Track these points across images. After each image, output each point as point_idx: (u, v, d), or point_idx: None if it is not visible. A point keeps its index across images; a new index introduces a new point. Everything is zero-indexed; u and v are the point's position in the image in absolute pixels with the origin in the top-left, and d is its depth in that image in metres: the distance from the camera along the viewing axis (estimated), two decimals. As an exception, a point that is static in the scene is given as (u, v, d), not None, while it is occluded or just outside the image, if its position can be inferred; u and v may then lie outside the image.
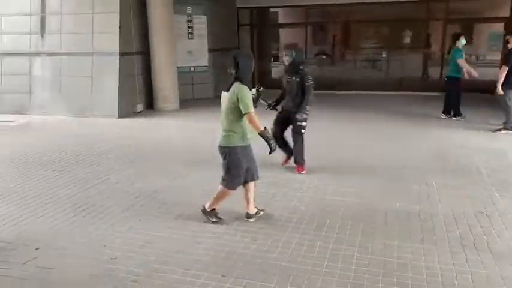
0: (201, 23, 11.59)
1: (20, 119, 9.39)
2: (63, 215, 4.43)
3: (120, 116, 9.37)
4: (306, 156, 5.58)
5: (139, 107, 10.04)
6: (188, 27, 11.45)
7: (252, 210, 4.17)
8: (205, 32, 11.68)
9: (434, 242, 3.72)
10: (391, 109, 9.78)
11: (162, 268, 3.39)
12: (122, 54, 9.39)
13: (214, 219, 4.12)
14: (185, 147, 6.95)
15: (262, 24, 14.34)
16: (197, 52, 11.67)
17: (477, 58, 12.24)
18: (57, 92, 9.74)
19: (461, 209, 4.37)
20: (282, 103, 5.67)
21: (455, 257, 3.48)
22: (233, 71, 3.85)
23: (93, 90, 9.51)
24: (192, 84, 11.61)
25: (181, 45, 11.07)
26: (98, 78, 9.44)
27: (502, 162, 5.89)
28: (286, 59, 5.56)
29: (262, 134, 3.85)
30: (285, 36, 15.43)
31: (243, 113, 3.75)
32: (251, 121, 3.80)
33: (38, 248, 3.72)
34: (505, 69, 7.52)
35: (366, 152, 6.48)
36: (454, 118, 8.64)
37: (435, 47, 12.65)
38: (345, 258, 3.49)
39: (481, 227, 4.00)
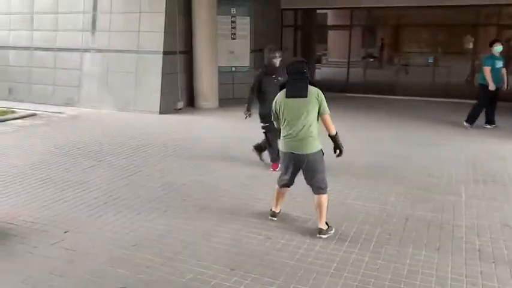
0: (244, 23, 11.76)
1: (69, 111, 9.97)
2: (95, 202, 4.72)
3: (162, 112, 9.72)
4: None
5: (180, 104, 10.37)
6: (232, 27, 11.67)
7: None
8: (247, 32, 11.84)
9: (451, 252, 3.65)
10: (431, 116, 9.51)
11: (175, 257, 3.55)
12: (166, 53, 9.74)
13: (330, 231, 3.93)
14: (218, 145, 7.13)
15: (306, 26, 14.32)
16: (239, 52, 11.85)
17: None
18: (104, 87, 10.25)
19: (486, 222, 4.24)
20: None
21: (469, 268, 3.40)
22: (298, 77, 3.77)
23: (137, 86, 9.92)
24: (233, 83, 11.81)
25: (224, 46, 11.29)
26: (142, 75, 9.85)
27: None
28: (278, 60, 5.53)
29: (336, 137, 3.84)
30: (330, 38, 15.34)
31: (324, 114, 3.74)
32: (330, 123, 3.78)
33: (67, 231, 4.00)
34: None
35: (397, 158, 6.37)
36: (487, 126, 8.31)
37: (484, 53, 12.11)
38: (354, 262, 3.50)
39: (504, 240, 3.87)
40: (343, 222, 4.20)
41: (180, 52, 10.28)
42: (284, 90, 3.85)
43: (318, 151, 3.80)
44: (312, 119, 3.74)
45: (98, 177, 5.54)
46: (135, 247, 3.74)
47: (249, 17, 11.76)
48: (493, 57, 8.18)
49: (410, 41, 14.69)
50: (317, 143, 3.80)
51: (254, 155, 6.07)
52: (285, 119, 3.80)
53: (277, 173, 4.44)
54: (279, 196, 4.14)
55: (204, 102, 10.61)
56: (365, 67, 14.20)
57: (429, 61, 12.47)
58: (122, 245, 3.77)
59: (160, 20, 9.65)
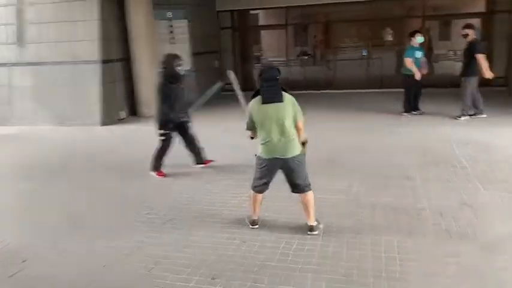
0: (182, 27, 11.56)
1: (1, 130, 9.25)
2: (49, 226, 4.38)
3: (104, 124, 9.29)
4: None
5: (123, 114, 9.98)
6: (169, 32, 11.42)
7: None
8: (186, 36, 11.66)
9: (422, 235, 3.77)
10: (370, 107, 9.84)
11: (151, 274, 3.37)
12: (103, 61, 9.32)
13: (320, 225, 3.93)
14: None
15: (243, 27, 14.36)
16: (179, 57, 11.62)
17: (455, 53, 12.44)
18: (38, 102, 9.61)
19: (446, 202, 4.43)
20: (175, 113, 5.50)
21: (444, 248, 3.53)
22: (272, 83, 3.71)
23: (75, 99, 9.41)
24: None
25: (163, 51, 10.99)
26: (80, 86, 9.35)
27: (482, 154, 5.97)
28: (182, 68, 5.51)
29: (305, 144, 3.88)
30: (265, 38, 15.48)
31: (299, 121, 3.77)
32: (302, 129, 3.83)
33: (25, 260, 3.68)
34: (482, 56, 7.87)
35: (347, 149, 6.48)
36: (414, 113, 8.68)
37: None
38: (334, 255, 3.52)
39: (466, 219, 4.06)
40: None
41: (118, 60, 9.89)
42: (258, 97, 3.78)
43: (301, 153, 3.80)
44: (290, 123, 3.73)
45: (45, 199, 5.16)
46: (104, 268, 3.51)
47: (186, 20, 11.58)
48: (413, 48, 8.59)
49: (344, 36, 15.18)
50: (298, 144, 3.80)
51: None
52: (262, 125, 3.74)
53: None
54: (257, 203, 4.01)
55: (147, 110, 10.25)
56: (302, 64, 14.49)
57: (363, 54, 12.91)
58: (89, 268, 3.52)
59: (95, 27, 9.22)
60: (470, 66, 8.00)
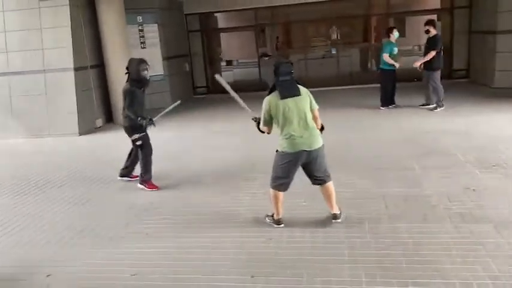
0: (152, 31, 11.39)
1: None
2: (59, 237, 4.24)
3: (81, 133, 9.01)
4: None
5: (99, 122, 9.72)
6: (140, 36, 11.23)
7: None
8: (157, 40, 11.50)
9: (438, 220, 3.96)
10: (346, 102, 10.08)
11: (187, 277, 3.35)
12: (77, 69, 9.04)
13: (343, 214, 4.05)
14: (164, 157, 6.72)
15: (211, 30, 14.31)
16: (151, 61, 11.40)
17: (420, 48, 13.01)
18: (8, 114, 9.17)
19: (449, 188, 4.66)
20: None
21: (461, 231, 3.73)
22: (287, 78, 3.78)
23: (49, 108, 9.05)
24: (148, 93, 11.34)
25: (134, 55, 10.78)
26: (54, 95, 9.01)
27: (466, 142, 6.30)
28: (147, 73, 5.29)
29: (322, 128, 4.00)
30: (229, 40, 15.49)
31: (314, 109, 3.87)
32: (318, 117, 3.94)
33: (50, 275, 3.55)
34: (433, 53, 8.41)
35: (337, 146, 6.39)
36: (390, 107, 9.01)
37: (377, 40, 13.23)
38: (362, 245, 3.63)
39: (473, 202, 4.29)
40: (325, 211, 4.18)
41: (92, 66, 9.62)
42: (275, 92, 3.80)
43: (323, 144, 3.87)
44: (310, 115, 3.81)
45: (41, 211, 4.97)
46: (136, 276, 3.44)
47: (156, 25, 11.42)
48: (391, 44, 8.98)
49: (309, 35, 15.46)
50: (320, 136, 3.88)
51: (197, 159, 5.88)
52: (284, 120, 3.76)
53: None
54: (280, 202, 3.97)
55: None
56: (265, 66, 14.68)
57: (332, 52, 13.25)
58: (120, 277, 3.44)
59: (67, 34, 8.91)
60: (433, 60, 8.46)
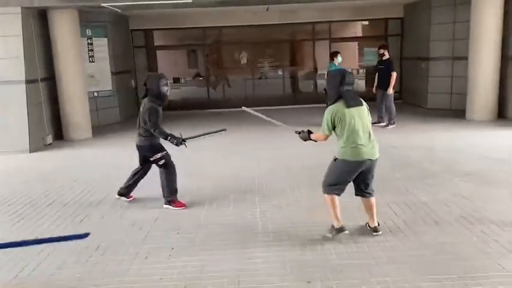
0: (101, 45, 10.97)
1: None
2: (85, 250, 3.95)
3: (32, 150, 8.35)
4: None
5: (49, 139, 9.07)
6: (89, 50, 10.74)
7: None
8: (106, 54, 11.08)
9: (449, 223, 4.36)
10: (295, 121, 10.44)
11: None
12: (28, 81, 8.41)
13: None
14: (101, 185, 6.16)
15: (151, 47, 14.07)
16: (100, 76, 11.00)
17: (358, 72, 14.02)
18: None
19: (441, 195, 5.14)
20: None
21: (475, 230, 4.16)
22: (350, 88, 3.91)
23: (-3, 123, 8.28)
24: (97, 109, 10.88)
25: (84, 69, 10.31)
26: (2, 109, 8.27)
27: (432, 155, 6.99)
28: (167, 89, 5.04)
29: None
30: (184, 57, 15.36)
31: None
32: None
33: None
34: (395, 74, 9.21)
35: (318, 161, 6.83)
36: None
37: (323, 64, 13.99)
38: (395, 248, 3.89)
39: (469, 206, 4.77)
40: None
41: (43, 79, 9.01)
42: (340, 101, 3.87)
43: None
44: (370, 125, 3.99)
45: (37, 234, 4.58)
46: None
47: (106, 38, 11.03)
48: (334, 66, 9.65)
49: (253, 56, 15.80)
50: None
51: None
52: (350, 129, 3.84)
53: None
54: (337, 207, 4.04)
55: (76, 133, 9.49)
56: (217, 84, 14.83)
57: (279, 73, 13.79)
58: (171, 292, 3.32)
59: (18, 44, 8.28)
60: (388, 81, 9.25)
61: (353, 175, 4.00)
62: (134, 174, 5.32)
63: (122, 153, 8.07)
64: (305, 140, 4.34)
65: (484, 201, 4.91)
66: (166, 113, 5.22)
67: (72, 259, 3.91)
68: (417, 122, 9.83)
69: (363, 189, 4.13)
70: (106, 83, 11.13)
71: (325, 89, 4.22)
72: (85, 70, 9.85)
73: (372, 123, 9.28)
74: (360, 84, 13.86)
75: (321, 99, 11.99)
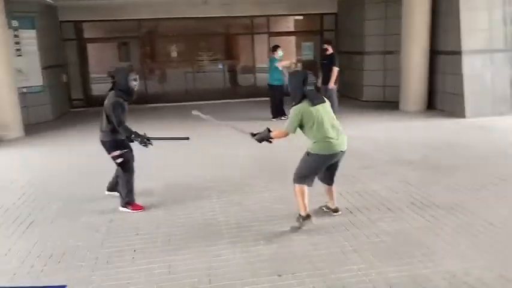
0: (30, 38, 10.23)
1: None
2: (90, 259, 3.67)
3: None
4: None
5: (-26, 138, 8.33)
6: (15, 43, 9.96)
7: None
8: (35, 48, 10.35)
9: (401, 210, 4.61)
10: (237, 115, 10.32)
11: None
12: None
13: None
14: (41, 188, 5.78)
15: (82, 39, 13.37)
16: (28, 70, 10.25)
17: (296, 65, 14.29)
18: None
19: (389, 183, 5.41)
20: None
21: (425, 215, 4.43)
22: (312, 87, 4.12)
23: None
24: (27, 107, 10.14)
25: (12, 64, 9.55)
26: None
27: (375, 145, 7.33)
28: (136, 84, 4.80)
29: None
30: (115, 50, 14.72)
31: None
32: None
33: None
34: (336, 69, 9.47)
35: (263, 155, 6.76)
36: (282, 118, 9.48)
37: (261, 58, 14.07)
38: (368, 228, 4.05)
39: (417, 192, 5.06)
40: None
41: (-35, 75, 8.24)
42: (305, 101, 4.06)
43: None
44: (335, 119, 4.24)
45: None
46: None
47: (34, 31, 10.30)
48: (275, 60, 9.83)
49: (198, 49, 15.46)
50: None
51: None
52: (319, 125, 4.04)
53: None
54: (306, 195, 4.21)
55: (3, 132, 8.79)
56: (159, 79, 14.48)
57: (219, 67, 13.71)
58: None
59: None
60: (331, 76, 9.51)
61: (325, 166, 4.23)
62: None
63: (57, 154, 7.66)
64: (262, 141, 4.42)
65: (428, 187, 5.24)
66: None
67: (24, 271, 3.64)
68: (355, 114, 10.22)
69: (329, 178, 4.41)
70: (36, 78, 10.41)
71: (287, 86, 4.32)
72: (12, 64, 9.11)
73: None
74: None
75: (261, 93, 12.22)
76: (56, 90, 11.28)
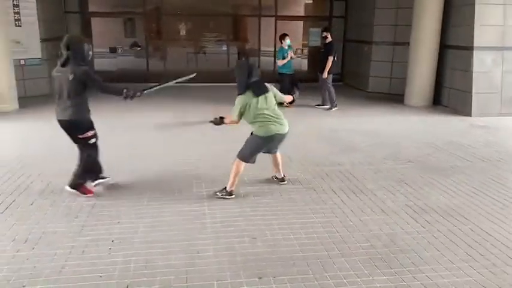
0: (29, 8, 9.96)
1: None
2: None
3: None
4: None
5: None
6: (15, 12, 9.71)
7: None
8: (35, 18, 10.10)
9: (395, 213, 4.41)
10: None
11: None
12: None
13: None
14: (29, 165, 5.59)
15: (85, 12, 13.06)
16: (27, 42, 10.02)
17: (302, 52, 14.00)
18: None
19: (385, 182, 5.22)
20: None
21: (419, 220, 4.24)
22: (257, 78, 4.56)
23: None
24: (24, 79, 9.95)
25: (8, 35, 9.31)
26: None
27: (375, 139, 7.10)
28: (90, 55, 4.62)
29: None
30: (122, 25, 14.42)
31: (282, 98, 4.90)
32: (285, 100, 5.10)
33: None
34: (331, 59, 9.19)
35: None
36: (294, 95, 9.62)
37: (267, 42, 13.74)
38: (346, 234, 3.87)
39: (410, 193, 4.88)
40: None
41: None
42: (249, 91, 4.47)
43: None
44: (276, 106, 4.65)
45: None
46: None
47: (34, 1, 10.02)
48: (282, 50, 9.57)
49: (202, 30, 15.17)
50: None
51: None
52: (259, 112, 4.47)
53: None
54: (239, 175, 4.62)
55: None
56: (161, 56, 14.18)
57: (223, 48, 13.40)
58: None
59: None
60: (324, 65, 9.23)
61: (265, 147, 4.67)
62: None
63: (50, 129, 7.40)
64: (218, 125, 4.84)
65: (426, 189, 5.04)
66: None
67: (-5, 254, 3.49)
68: (359, 106, 9.98)
69: (273, 149, 4.86)
70: (34, 51, 10.18)
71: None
72: (9, 34, 8.87)
73: (316, 105, 9.45)
74: (303, 64, 13.87)
75: (264, 77, 11.85)
76: (55, 64, 11.02)
